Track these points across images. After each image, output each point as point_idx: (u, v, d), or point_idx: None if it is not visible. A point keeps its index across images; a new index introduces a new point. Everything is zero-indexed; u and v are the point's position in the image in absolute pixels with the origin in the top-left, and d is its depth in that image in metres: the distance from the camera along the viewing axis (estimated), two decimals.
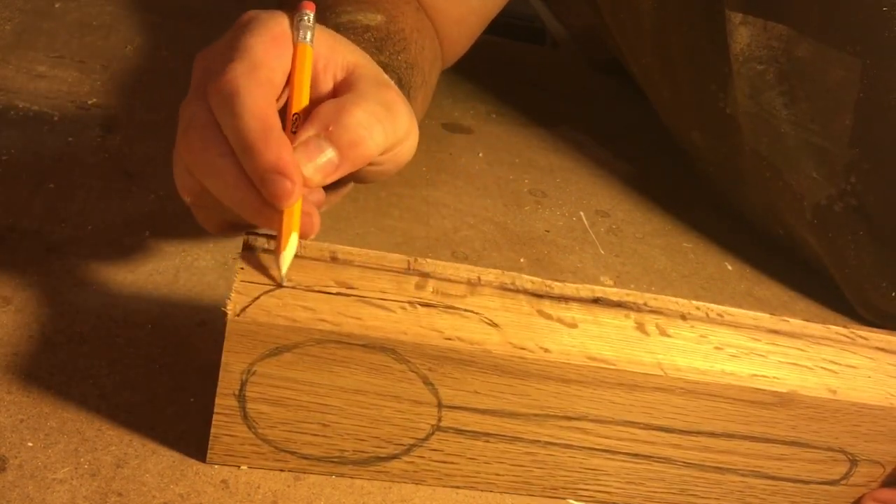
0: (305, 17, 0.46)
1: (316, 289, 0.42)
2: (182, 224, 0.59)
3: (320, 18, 0.51)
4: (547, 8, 1.06)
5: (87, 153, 0.64)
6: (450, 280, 0.44)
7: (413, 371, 0.42)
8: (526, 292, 0.45)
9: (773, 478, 0.47)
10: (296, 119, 0.44)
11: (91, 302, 0.51)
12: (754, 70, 0.65)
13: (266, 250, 0.43)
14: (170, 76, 0.78)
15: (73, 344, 0.48)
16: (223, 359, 0.40)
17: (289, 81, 0.45)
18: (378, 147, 0.44)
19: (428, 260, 0.45)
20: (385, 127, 0.44)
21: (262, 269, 0.42)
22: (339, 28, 0.54)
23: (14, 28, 0.78)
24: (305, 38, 0.45)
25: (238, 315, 0.39)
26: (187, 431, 0.45)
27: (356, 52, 0.48)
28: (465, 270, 0.45)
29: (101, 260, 0.54)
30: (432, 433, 0.44)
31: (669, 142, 0.79)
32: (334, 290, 0.42)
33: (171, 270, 0.55)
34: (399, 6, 0.63)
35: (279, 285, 0.41)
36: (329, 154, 0.43)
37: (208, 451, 0.43)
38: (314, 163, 0.42)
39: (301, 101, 0.45)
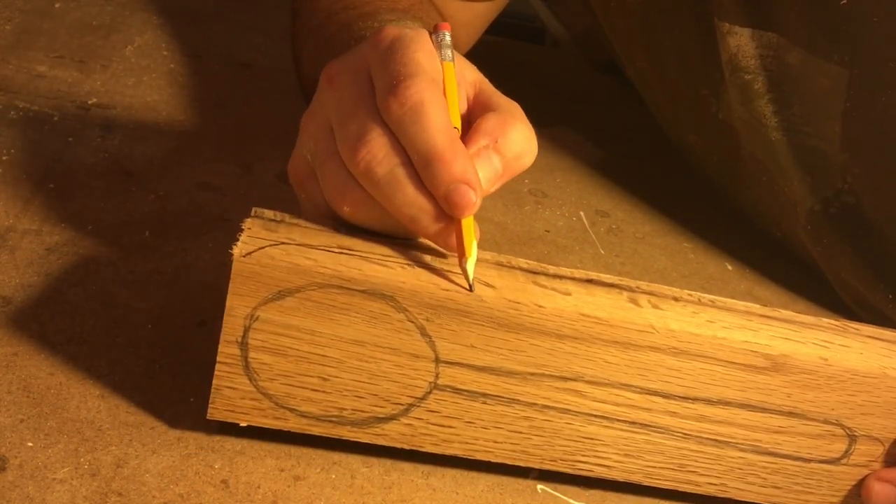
0: (443, 38, 0.48)
1: (320, 248, 0.44)
2: (182, 224, 0.59)
3: (361, 27, 0.53)
4: (547, 8, 1.06)
5: (87, 153, 0.64)
6: (447, 255, 0.46)
7: (411, 321, 0.43)
8: (521, 269, 0.47)
9: (773, 454, 0.47)
10: (458, 133, 0.45)
11: (91, 302, 0.51)
12: (743, 80, 0.65)
13: (273, 220, 0.45)
14: (170, 76, 0.78)
15: (73, 344, 0.48)
16: (227, 303, 0.42)
17: None
18: (532, 159, 0.46)
19: (427, 241, 0.47)
20: (534, 140, 0.47)
21: (268, 232, 0.44)
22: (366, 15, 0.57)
23: (14, 28, 0.78)
24: (447, 56, 0.47)
25: (244, 257, 0.41)
26: (187, 431, 0.45)
27: (475, 70, 0.50)
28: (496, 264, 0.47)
29: (101, 260, 0.54)
30: (430, 392, 0.44)
31: (669, 142, 0.79)
32: (336, 249, 0.44)
33: (171, 270, 0.55)
34: (429, 13, 0.65)
35: (470, 289, 0.43)
36: (497, 164, 0.45)
37: (209, 406, 0.43)
38: (485, 172, 0.44)
39: (456, 114, 0.46)
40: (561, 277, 0.47)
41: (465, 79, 0.48)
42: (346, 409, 0.44)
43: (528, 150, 0.46)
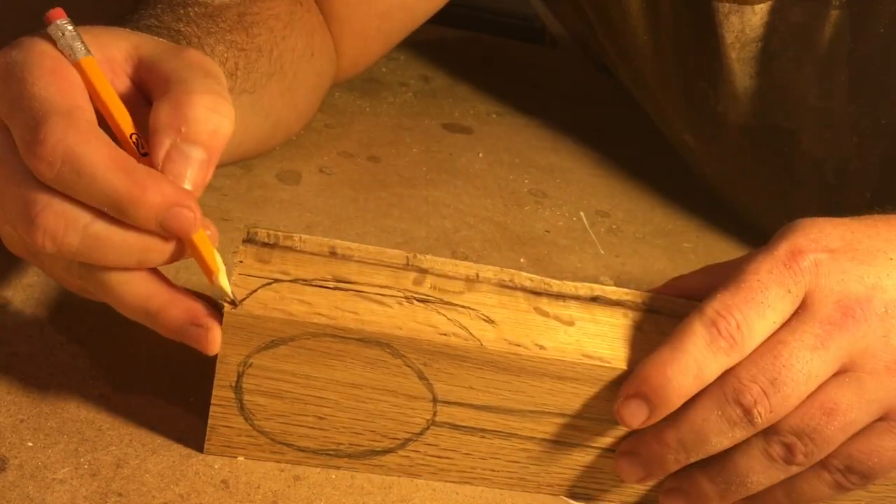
0: (64, 30, 0.39)
1: (314, 283, 0.42)
2: None
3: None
4: (547, 8, 1.06)
5: None
6: (448, 276, 0.44)
7: (408, 366, 0.42)
8: (524, 289, 0.45)
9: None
10: (135, 138, 0.40)
11: (91, 302, 0.51)
12: (755, 49, 0.65)
13: (265, 244, 0.42)
14: None
15: (73, 344, 0.48)
16: (220, 350, 0.41)
17: (95, 103, 0.40)
18: (232, 120, 0.40)
19: (427, 256, 0.45)
20: (223, 96, 0.40)
21: (263, 261, 0.42)
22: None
23: (14, 27, 0.78)
24: (79, 51, 0.39)
25: (234, 308, 0.40)
26: (187, 431, 0.45)
27: (125, 37, 0.42)
28: (463, 267, 0.45)
29: None
30: (427, 428, 0.44)
31: (669, 141, 0.79)
32: (331, 284, 0.42)
33: (171, 270, 0.55)
34: None
35: (234, 304, 0.40)
36: (198, 154, 0.39)
37: (206, 443, 0.44)
38: (189, 171, 0.39)
39: (124, 117, 0.40)
40: (564, 297, 0.45)
41: (114, 58, 0.41)
42: (342, 444, 0.44)
43: (220, 119, 0.39)
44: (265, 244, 0.43)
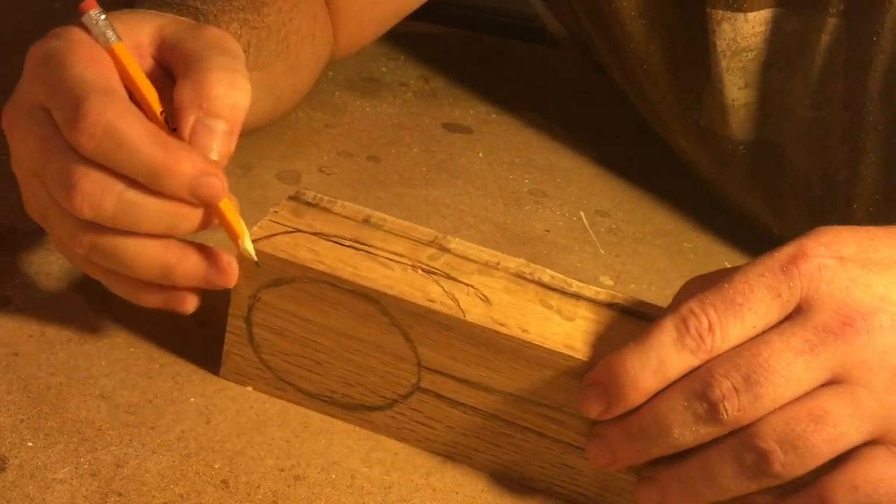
0: (97, 19, 0.43)
1: (332, 238, 0.45)
2: None
3: None
4: (546, 8, 1.06)
5: None
6: (467, 259, 0.46)
7: (395, 325, 0.44)
8: (539, 283, 0.45)
9: None
10: (163, 115, 0.43)
11: (91, 302, 0.51)
12: (746, 59, 0.65)
13: (307, 203, 0.47)
14: None
15: (73, 344, 0.48)
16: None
17: (126, 84, 0.43)
18: (249, 94, 0.43)
19: (457, 239, 0.46)
20: (240, 71, 0.43)
21: (296, 215, 0.46)
22: None
23: (14, 27, 0.78)
24: (111, 38, 0.43)
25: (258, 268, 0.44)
26: (187, 431, 0.45)
27: (150, 20, 0.45)
28: (488, 254, 0.46)
29: None
30: (413, 392, 0.46)
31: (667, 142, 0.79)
32: (347, 242, 0.45)
33: None
34: None
35: (258, 265, 0.44)
36: (221, 127, 0.42)
37: (221, 367, 0.48)
38: (215, 143, 0.42)
39: (153, 96, 0.43)
40: (579, 298, 0.45)
41: (142, 43, 0.45)
42: (336, 393, 0.46)
43: (238, 94, 0.43)
44: (307, 203, 0.47)
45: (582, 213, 0.74)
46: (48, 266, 0.53)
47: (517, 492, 0.47)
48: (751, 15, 0.64)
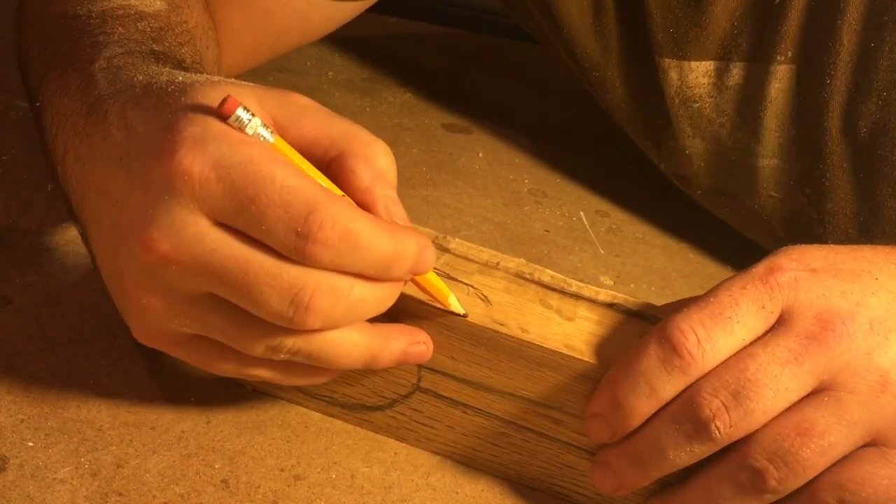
0: (248, 119, 0.37)
1: None
2: None
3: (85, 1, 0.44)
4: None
5: None
6: (467, 259, 0.45)
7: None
8: (539, 283, 0.45)
9: None
10: (345, 198, 0.40)
11: (91, 302, 0.51)
12: (692, 109, 0.66)
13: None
14: None
15: (73, 344, 0.48)
16: None
17: None
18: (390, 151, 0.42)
19: (456, 239, 0.46)
20: (372, 135, 0.42)
21: None
22: (106, 14, 0.47)
23: (14, 28, 0.78)
24: (269, 136, 0.38)
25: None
26: (187, 431, 0.45)
27: (294, 101, 0.41)
28: (487, 254, 0.46)
29: None
30: (413, 392, 0.46)
31: None
32: None
33: None
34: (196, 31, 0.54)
35: (466, 317, 0.42)
36: (394, 196, 0.41)
37: None
38: (401, 213, 0.41)
39: (330, 184, 0.40)
40: (579, 298, 0.45)
41: (301, 127, 0.40)
42: (336, 393, 0.46)
43: (391, 160, 0.41)
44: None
45: (582, 213, 0.74)
46: (48, 266, 0.53)
47: (517, 492, 0.47)
48: (694, 64, 0.65)
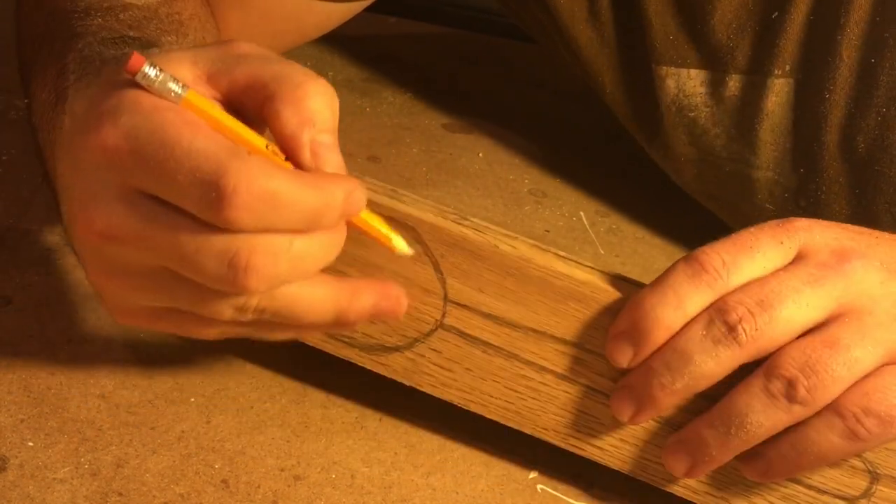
0: (156, 76, 0.36)
1: (368, 186, 0.44)
2: None
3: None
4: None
5: None
6: (489, 228, 0.46)
7: (427, 255, 0.44)
8: (556, 254, 0.46)
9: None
10: (270, 148, 0.38)
11: (91, 302, 0.51)
12: (688, 118, 0.66)
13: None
14: None
15: (73, 344, 0.48)
16: None
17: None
18: (336, 100, 0.40)
19: (475, 220, 0.46)
20: (314, 73, 0.39)
21: None
22: (90, 7, 0.47)
23: (14, 27, 0.78)
24: (179, 90, 0.36)
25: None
26: (187, 431, 0.45)
27: (182, 57, 0.39)
28: (504, 232, 0.47)
29: None
30: (435, 329, 0.46)
31: None
32: (382, 191, 0.45)
33: None
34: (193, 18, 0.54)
35: (410, 255, 0.42)
36: (329, 139, 0.39)
37: None
38: (333, 158, 0.39)
39: (252, 135, 0.38)
40: (592, 268, 0.46)
41: (234, 75, 0.38)
42: (357, 332, 0.46)
43: (332, 98, 0.38)
44: None
45: (582, 213, 0.74)
46: (48, 266, 0.53)
47: (517, 492, 0.47)
48: (693, 72, 0.65)
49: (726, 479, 0.46)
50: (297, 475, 0.45)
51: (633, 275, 0.67)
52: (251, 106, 0.38)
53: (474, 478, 0.47)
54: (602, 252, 0.69)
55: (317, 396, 0.49)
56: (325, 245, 0.38)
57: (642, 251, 0.71)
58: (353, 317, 0.40)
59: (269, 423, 0.47)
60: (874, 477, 0.44)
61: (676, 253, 0.72)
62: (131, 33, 0.46)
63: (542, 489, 0.47)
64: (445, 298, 0.45)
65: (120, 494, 0.41)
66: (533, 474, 0.48)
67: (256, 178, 0.35)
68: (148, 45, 0.45)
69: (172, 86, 0.36)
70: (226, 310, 0.38)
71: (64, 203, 0.40)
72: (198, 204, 0.35)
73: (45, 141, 0.42)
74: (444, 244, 0.44)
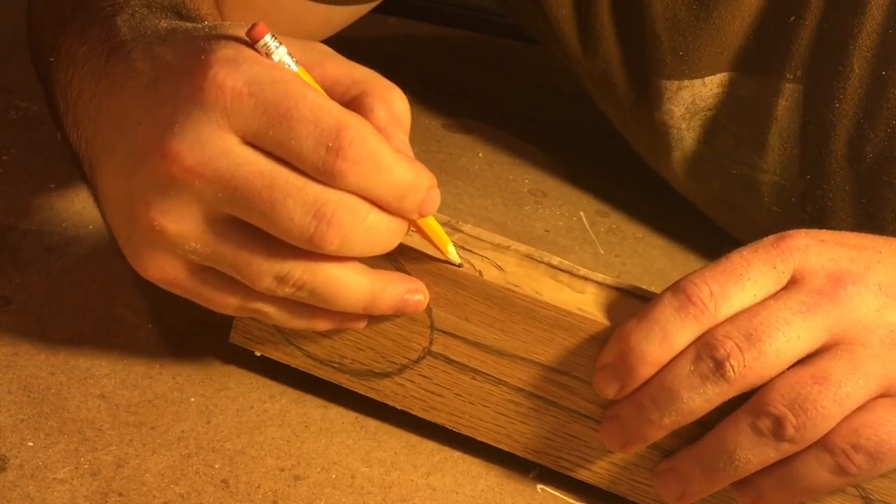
0: (275, 47, 0.39)
1: None
2: None
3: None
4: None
5: None
6: (480, 239, 0.47)
7: None
8: (549, 265, 0.46)
9: None
10: None
11: (91, 302, 0.51)
12: (706, 117, 0.66)
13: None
14: None
15: (73, 344, 0.48)
16: None
17: None
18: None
19: (469, 225, 0.47)
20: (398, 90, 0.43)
21: None
22: None
23: (14, 27, 0.78)
24: (293, 65, 0.39)
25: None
26: (187, 431, 0.45)
27: (318, 46, 0.43)
28: (499, 239, 0.47)
29: (101, 260, 0.54)
30: (423, 356, 0.46)
31: None
32: None
33: None
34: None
35: (461, 266, 0.44)
36: (406, 139, 0.42)
37: (231, 331, 0.47)
38: (412, 156, 0.41)
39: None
40: (587, 280, 0.46)
41: (324, 67, 0.42)
42: (346, 358, 0.46)
43: (409, 110, 0.42)
44: None
45: (582, 213, 0.74)
46: (48, 266, 0.53)
47: (517, 492, 0.47)
48: (708, 79, 0.65)
49: (721, 502, 0.45)
50: (297, 475, 0.45)
51: (633, 275, 0.67)
52: (336, 98, 0.40)
53: (474, 478, 0.47)
54: (602, 252, 0.69)
55: (317, 396, 0.49)
56: (391, 229, 0.40)
57: (642, 251, 0.71)
58: (384, 306, 0.42)
59: (269, 423, 0.47)
60: (867, 502, 0.44)
61: (676, 253, 0.72)
62: (177, 6, 0.47)
63: (542, 489, 0.47)
64: (432, 327, 0.45)
65: (120, 494, 0.41)
66: (533, 474, 0.48)
67: (371, 136, 0.37)
68: (195, 18, 0.47)
69: (287, 59, 0.39)
70: (266, 277, 0.39)
71: (121, 140, 0.40)
72: (313, 153, 0.37)
73: (82, 87, 0.43)
74: (429, 274, 0.44)
